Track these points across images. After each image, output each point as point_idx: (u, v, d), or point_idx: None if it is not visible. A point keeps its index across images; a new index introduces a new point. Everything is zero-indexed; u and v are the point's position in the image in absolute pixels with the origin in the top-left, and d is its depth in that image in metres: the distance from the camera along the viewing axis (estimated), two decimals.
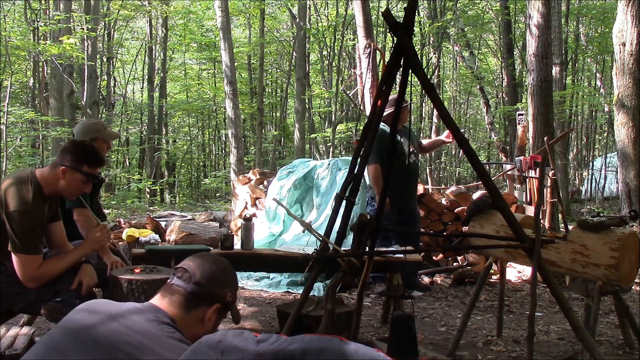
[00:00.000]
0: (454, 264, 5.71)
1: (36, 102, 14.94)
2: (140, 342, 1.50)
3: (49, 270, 2.46)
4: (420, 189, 5.58)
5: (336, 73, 14.94)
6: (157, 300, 1.68)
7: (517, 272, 5.68)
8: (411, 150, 4.91)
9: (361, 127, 2.86)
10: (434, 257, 5.77)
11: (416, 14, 2.97)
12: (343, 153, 17.89)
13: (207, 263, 1.72)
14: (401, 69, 2.54)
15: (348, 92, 12.43)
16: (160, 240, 7.09)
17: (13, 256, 2.39)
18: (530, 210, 5.31)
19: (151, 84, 18.89)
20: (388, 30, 2.57)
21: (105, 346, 1.50)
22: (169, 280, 1.70)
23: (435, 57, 14.78)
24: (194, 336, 1.65)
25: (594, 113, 19.78)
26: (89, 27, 11.62)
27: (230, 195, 11.63)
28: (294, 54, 16.16)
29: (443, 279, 5.45)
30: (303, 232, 4.64)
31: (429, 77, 9.15)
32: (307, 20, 16.29)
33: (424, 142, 5.34)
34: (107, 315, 1.57)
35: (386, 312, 4.04)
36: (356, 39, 7.09)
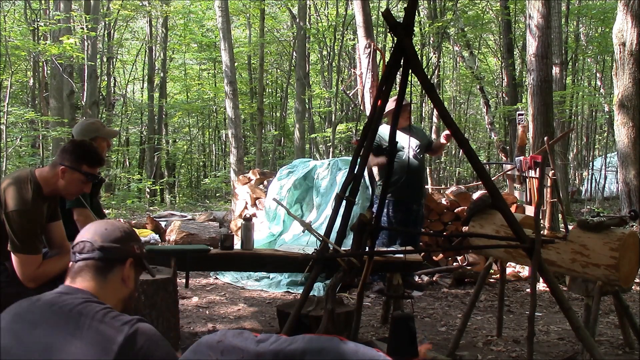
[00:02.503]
0: (454, 264, 5.71)
1: (36, 102, 14.95)
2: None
3: (49, 270, 2.46)
4: None
5: (336, 73, 14.95)
6: (69, 284, 1.60)
7: (517, 271, 5.68)
8: (414, 147, 4.90)
9: (361, 127, 2.87)
10: (434, 257, 5.77)
11: (416, 14, 2.97)
12: (343, 153, 17.89)
13: (101, 227, 1.67)
14: (401, 69, 2.54)
15: (348, 92, 12.43)
16: (160, 240, 7.10)
17: (12, 256, 2.39)
18: (530, 210, 5.30)
19: (151, 84, 18.90)
20: (388, 30, 2.57)
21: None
22: (71, 262, 1.63)
23: (435, 57, 14.78)
24: (121, 301, 1.63)
25: (594, 113, 19.78)
26: (89, 27, 11.62)
27: (230, 195, 11.63)
28: (294, 54, 16.16)
29: (440, 277, 5.46)
30: (303, 232, 4.65)
31: (429, 77, 9.14)
32: (307, 20, 16.29)
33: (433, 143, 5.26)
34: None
35: (386, 312, 4.04)
36: (356, 39, 7.08)
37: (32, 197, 2.39)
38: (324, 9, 17.63)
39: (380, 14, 7.63)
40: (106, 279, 1.60)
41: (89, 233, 1.65)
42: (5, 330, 1.47)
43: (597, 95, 18.22)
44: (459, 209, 5.89)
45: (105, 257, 1.61)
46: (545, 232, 4.80)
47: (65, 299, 1.50)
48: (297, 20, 14.95)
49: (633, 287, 4.68)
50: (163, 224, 7.93)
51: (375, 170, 5.26)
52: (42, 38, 12.77)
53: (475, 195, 6.12)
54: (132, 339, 1.39)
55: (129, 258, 1.65)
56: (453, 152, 19.79)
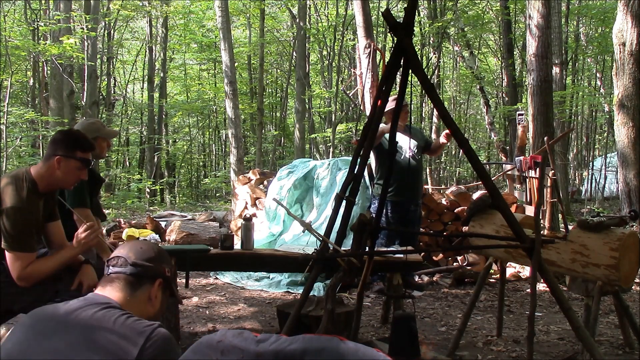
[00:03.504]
0: (454, 264, 5.71)
1: (36, 102, 14.94)
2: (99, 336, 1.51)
3: (38, 269, 2.44)
4: None
5: (336, 73, 14.94)
6: (99, 291, 1.70)
7: (517, 271, 5.68)
8: (412, 147, 4.91)
9: (361, 127, 2.87)
10: (434, 257, 5.77)
11: (416, 14, 2.97)
12: (343, 153, 17.88)
13: (137, 245, 1.78)
14: (401, 69, 2.55)
15: (348, 92, 12.42)
16: (160, 240, 7.10)
17: (6, 253, 2.39)
18: (530, 210, 5.30)
19: (151, 84, 18.89)
20: (388, 30, 2.57)
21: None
22: (105, 273, 1.73)
23: (435, 57, 14.78)
24: (144, 317, 1.67)
25: (594, 113, 19.78)
26: (89, 27, 11.62)
27: (230, 195, 11.63)
28: (294, 54, 16.16)
29: (441, 277, 5.46)
30: (303, 232, 4.65)
31: (429, 77, 9.13)
32: (307, 20, 16.29)
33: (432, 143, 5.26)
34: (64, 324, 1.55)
35: (386, 312, 4.04)
36: (356, 39, 7.08)
37: (26, 194, 2.40)
38: (324, 9, 17.62)
39: (380, 14, 7.62)
40: (134, 294, 1.68)
41: (125, 250, 1.75)
42: (17, 338, 1.53)
43: (597, 95, 18.22)
44: (459, 209, 5.88)
45: (136, 273, 1.69)
46: (545, 232, 4.81)
47: (87, 306, 1.58)
48: (297, 20, 14.95)
49: (633, 287, 4.68)
50: (163, 224, 7.93)
51: (373, 168, 5.26)
52: (42, 38, 12.76)
53: (475, 195, 6.12)
54: (152, 341, 1.48)
55: (158, 278, 1.74)
56: (453, 152, 19.78)
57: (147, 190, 16.23)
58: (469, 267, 5.49)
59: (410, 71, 2.52)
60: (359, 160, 2.65)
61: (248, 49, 18.06)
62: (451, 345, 3.31)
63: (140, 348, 1.46)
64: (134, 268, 1.70)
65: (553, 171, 5.41)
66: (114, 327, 1.51)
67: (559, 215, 5.60)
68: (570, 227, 3.33)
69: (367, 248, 2.75)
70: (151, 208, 13.74)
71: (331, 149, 13.90)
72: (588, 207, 12.75)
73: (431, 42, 15.04)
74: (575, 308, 3.90)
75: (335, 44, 14.66)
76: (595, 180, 15.43)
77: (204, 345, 1.42)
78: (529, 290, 5.12)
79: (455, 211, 5.92)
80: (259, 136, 16.47)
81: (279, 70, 21.17)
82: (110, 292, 1.67)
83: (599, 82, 18.59)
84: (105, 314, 1.54)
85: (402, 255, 3.45)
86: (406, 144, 4.86)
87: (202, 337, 1.45)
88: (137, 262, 1.71)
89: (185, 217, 9.09)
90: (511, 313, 4.40)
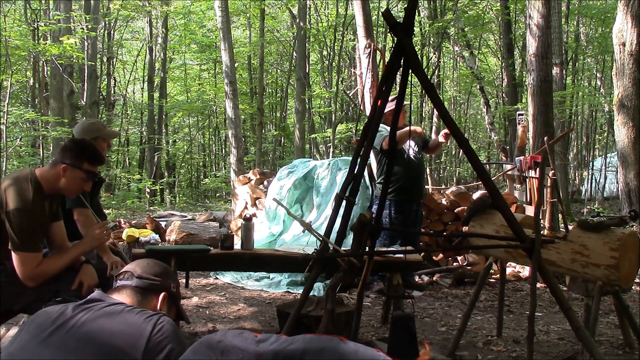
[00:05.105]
0: (454, 264, 5.71)
1: (36, 102, 14.94)
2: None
3: (48, 268, 2.46)
4: None
5: (336, 73, 14.94)
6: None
7: (517, 271, 5.68)
8: (412, 146, 4.92)
9: (361, 127, 2.87)
10: (434, 257, 5.77)
11: (416, 14, 2.97)
12: (343, 153, 17.88)
13: (143, 262, 1.89)
14: (401, 69, 2.54)
15: (348, 92, 12.42)
16: (160, 240, 7.10)
17: (13, 254, 2.39)
18: (530, 210, 5.30)
19: (151, 84, 18.88)
20: (388, 30, 2.57)
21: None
22: (113, 287, 1.83)
23: (435, 57, 14.77)
24: None
25: (594, 113, 19.77)
26: (89, 27, 11.62)
27: (230, 195, 11.63)
28: (294, 54, 16.15)
29: (441, 278, 5.45)
30: (303, 232, 4.65)
31: (429, 77, 9.14)
32: (307, 20, 16.28)
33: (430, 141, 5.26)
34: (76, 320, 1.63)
35: (386, 312, 4.04)
36: (356, 39, 7.07)
37: (32, 196, 2.40)
38: (324, 9, 17.62)
39: (380, 14, 7.62)
40: (140, 304, 1.76)
41: (132, 265, 1.87)
42: (20, 342, 1.60)
43: (597, 95, 18.21)
44: (459, 209, 5.88)
45: (141, 286, 1.79)
46: (545, 232, 4.81)
47: (92, 306, 1.66)
48: (297, 20, 14.94)
49: (633, 287, 4.68)
50: (163, 224, 7.93)
51: (374, 169, 5.26)
52: (42, 38, 12.76)
53: (475, 195, 6.12)
54: (160, 326, 1.58)
55: (163, 292, 1.82)
56: (453, 152, 19.78)
57: (147, 190, 16.23)
58: (469, 267, 5.49)
59: (410, 71, 2.52)
60: (359, 160, 2.65)
61: (248, 49, 18.06)
62: (451, 345, 3.31)
63: (149, 334, 1.54)
64: (139, 280, 1.78)
65: (553, 171, 5.41)
66: (119, 320, 1.59)
67: (559, 215, 5.59)
68: (570, 227, 3.33)
69: (367, 248, 2.75)
70: (151, 208, 13.75)
71: (331, 149, 13.90)
72: (588, 207, 12.75)
73: (431, 42, 15.03)
74: (575, 308, 3.90)
75: (335, 44, 14.66)
76: (595, 180, 15.43)
77: (204, 345, 1.42)
78: (529, 290, 5.12)
79: (455, 211, 5.92)
80: (259, 136, 16.47)
81: (279, 70, 21.16)
82: (117, 297, 1.75)
83: (599, 82, 18.59)
84: (111, 309, 1.63)
85: (402, 255, 3.45)
86: (407, 144, 4.87)
87: (202, 337, 1.45)
88: (143, 275, 1.80)
89: (185, 217, 9.09)
90: (511, 313, 4.40)
